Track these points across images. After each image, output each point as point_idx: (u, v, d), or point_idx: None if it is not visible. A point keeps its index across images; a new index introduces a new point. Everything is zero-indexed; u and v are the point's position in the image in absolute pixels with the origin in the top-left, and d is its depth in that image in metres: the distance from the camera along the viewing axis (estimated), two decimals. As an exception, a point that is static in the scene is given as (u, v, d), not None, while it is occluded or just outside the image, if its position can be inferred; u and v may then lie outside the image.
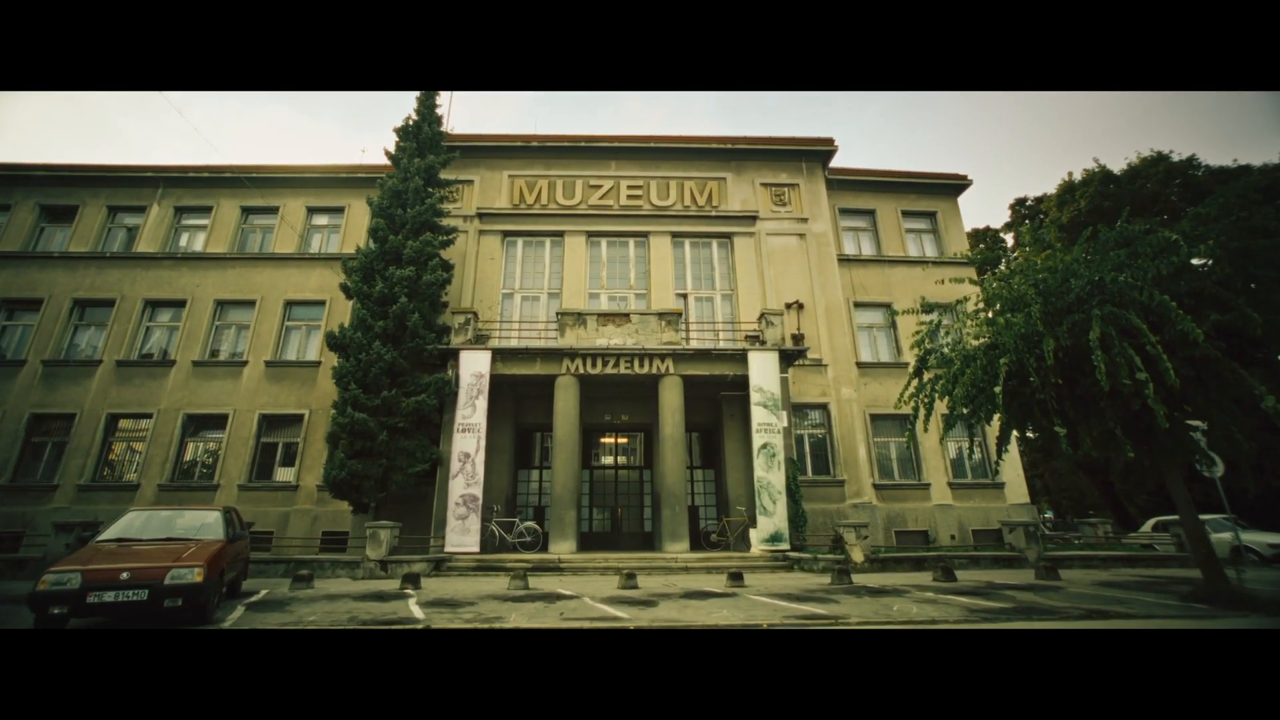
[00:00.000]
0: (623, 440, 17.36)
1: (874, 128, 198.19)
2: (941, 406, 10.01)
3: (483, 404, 13.56)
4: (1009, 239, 27.15)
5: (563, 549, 12.80)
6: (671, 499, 13.25)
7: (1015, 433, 9.49)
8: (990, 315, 8.59)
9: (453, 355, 14.03)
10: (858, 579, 10.16)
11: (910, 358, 17.10)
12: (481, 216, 17.36)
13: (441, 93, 18.17)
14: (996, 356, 8.31)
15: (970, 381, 8.61)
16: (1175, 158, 22.86)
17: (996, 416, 8.54)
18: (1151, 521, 17.44)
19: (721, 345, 15.15)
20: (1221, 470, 13.64)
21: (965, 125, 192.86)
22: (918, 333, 10.25)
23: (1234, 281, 7.22)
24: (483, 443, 13.33)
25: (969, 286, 11.28)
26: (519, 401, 15.51)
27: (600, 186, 17.92)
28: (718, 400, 15.47)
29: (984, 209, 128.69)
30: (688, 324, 16.04)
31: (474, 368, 13.82)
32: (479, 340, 14.71)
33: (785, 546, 12.70)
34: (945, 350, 9.25)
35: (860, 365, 17.03)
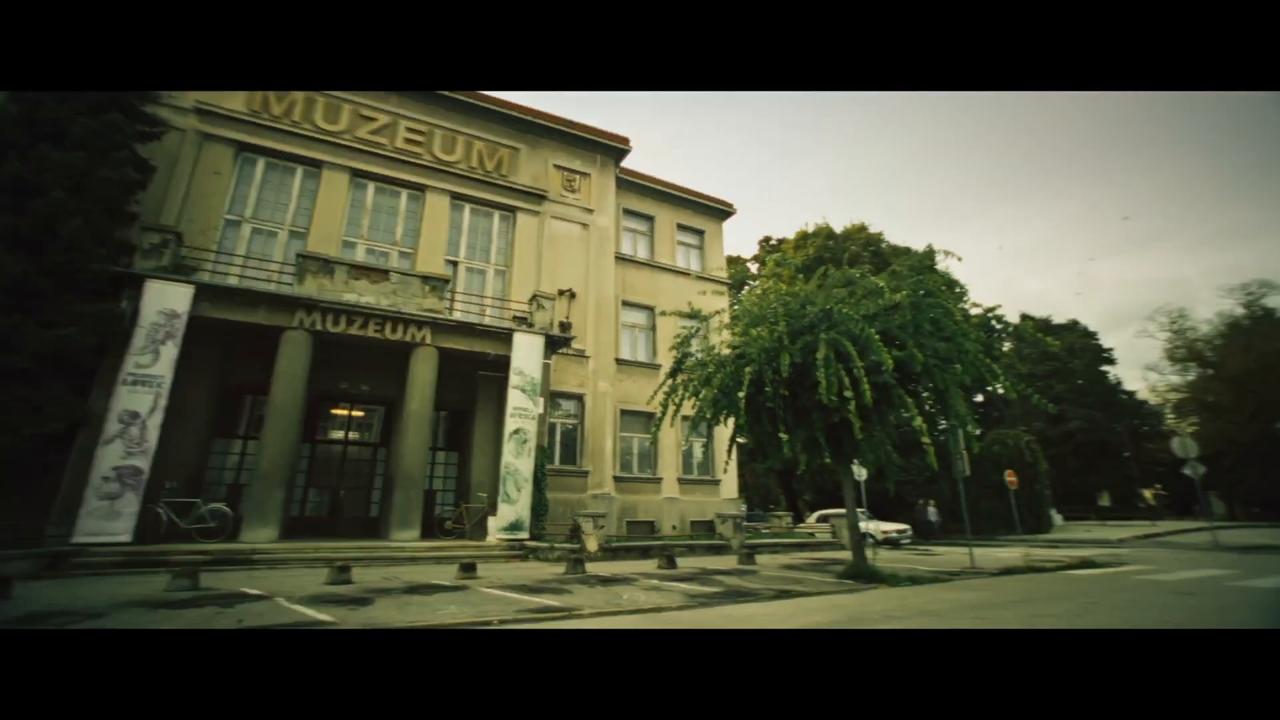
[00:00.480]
0: (358, 413, 15.41)
1: (658, 146, 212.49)
2: (687, 407, 10.81)
3: (171, 352, 10.69)
4: (754, 268, 31.30)
5: (260, 536, 10.76)
6: (407, 481, 12.09)
7: (738, 435, 10.76)
8: (741, 328, 9.52)
9: (133, 283, 10.80)
10: (591, 568, 10.40)
11: (666, 359, 18.50)
12: (203, 114, 13.66)
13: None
14: (743, 365, 9.22)
15: (719, 385, 9.42)
16: (871, 229, 28.98)
17: (733, 420, 9.48)
18: (815, 514, 21.56)
19: (488, 321, 14.39)
20: (865, 475, 17.31)
21: (733, 162, 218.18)
22: (678, 336, 10.97)
23: (907, 325, 9.04)
24: (163, 401, 10.49)
25: (724, 300, 12.48)
26: (228, 355, 12.63)
27: (374, 120, 15.51)
28: (474, 380, 14.65)
29: (739, 239, 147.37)
30: (454, 294, 14.86)
31: (165, 303, 10.83)
32: (179, 270, 11.60)
33: (524, 535, 12.50)
34: (700, 355, 9.99)
35: (619, 361, 17.75)
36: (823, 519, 20.44)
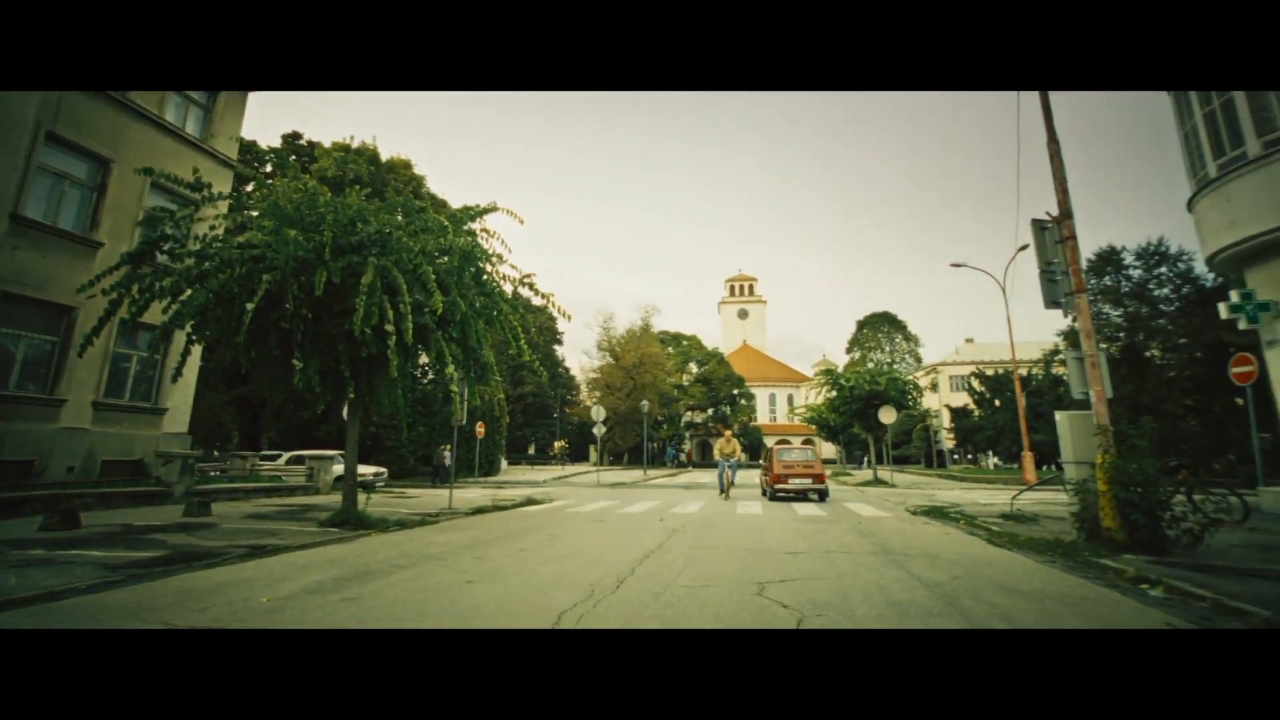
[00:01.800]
0: None
1: None
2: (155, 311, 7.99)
3: None
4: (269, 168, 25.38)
5: None
6: None
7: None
8: (272, 225, 7.60)
9: None
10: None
11: (119, 238, 12.96)
12: None
13: None
14: (261, 271, 7.42)
15: (217, 289, 7.30)
16: (417, 170, 28.22)
17: (239, 336, 7.48)
18: (287, 456, 19.41)
19: None
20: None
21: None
22: (148, 211, 7.99)
23: (454, 272, 9.05)
24: None
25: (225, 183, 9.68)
26: None
27: None
28: None
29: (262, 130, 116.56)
30: None
31: None
32: None
33: None
34: (194, 244, 7.55)
35: (17, 219, 11.55)
36: (296, 460, 18.47)
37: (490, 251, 9.57)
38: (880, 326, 60.16)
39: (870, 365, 46.02)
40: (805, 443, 22.77)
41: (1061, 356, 28.30)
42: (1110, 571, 5.72)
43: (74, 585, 4.81)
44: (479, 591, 4.79)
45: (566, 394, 46.79)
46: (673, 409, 51.00)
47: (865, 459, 45.69)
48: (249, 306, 6.97)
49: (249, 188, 20.89)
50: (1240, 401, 21.22)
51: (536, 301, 10.79)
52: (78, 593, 4.67)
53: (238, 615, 4.01)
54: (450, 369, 8.26)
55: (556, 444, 57.78)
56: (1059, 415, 7.94)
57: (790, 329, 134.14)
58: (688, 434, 55.14)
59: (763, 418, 63.42)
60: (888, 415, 20.90)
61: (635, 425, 43.75)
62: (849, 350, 61.76)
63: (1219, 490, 7.80)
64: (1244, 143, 10.17)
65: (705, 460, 54.40)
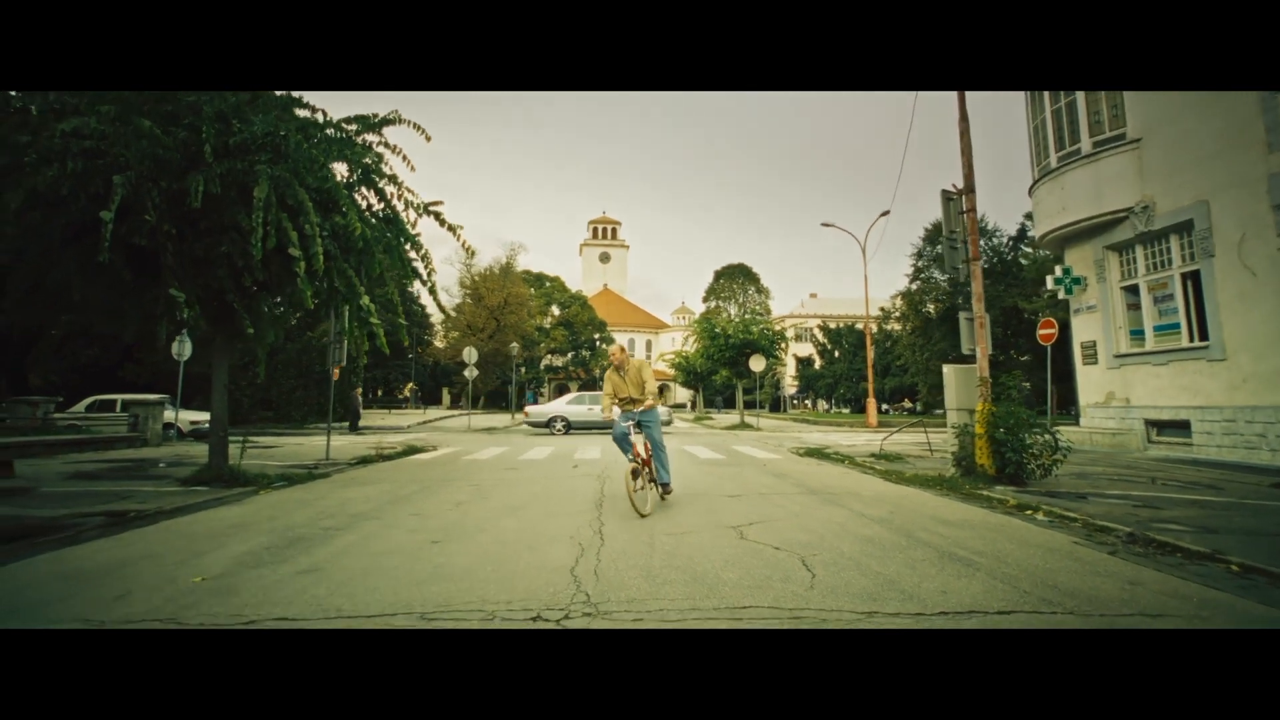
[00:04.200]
0: None
1: None
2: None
3: None
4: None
5: None
6: None
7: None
8: (120, 114, 5.83)
9: None
10: None
11: None
12: None
13: None
14: (108, 170, 5.80)
15: (44, 187, 5.58)
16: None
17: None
18: (87, 401, 16.03)
19: None
20: (188, 353, 14.23)
21: None
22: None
23: (351, 188, 7.80)
24: None
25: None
26: None
27: None
28: None
29: None
30: None
31: None
32: None
33: None
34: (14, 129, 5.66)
35: None
36: (101, 406, 15.25)
37: (391, 171, 8.38)
38: (736, 278, 63.45)
39: (725, 315, 48.66)
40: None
41: (896, 314, 32.21)
42: (995, 501, 6.71)
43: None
44: (455, 551, 4.36)
45: (422, 333, 43.75)
46: (534, 351, 50.13)
47: (718, 404, 48.91)
48: (105, 216, 5.40)
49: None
50: (1025, 359, 25.86)
51: (440, 231, 9.74)
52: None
53: (177, 602, 3.24)
54: (365, 299, 7.23)
55: (407, 387, 54.41)
56: (946, 368, 9.01)
57: (649, 275, 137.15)
58: (547, 377, 54.76)
59: (621, 362, 64.91)
60: (758, 363, 22.41)
61: (496, 368, 42.41)
62: (706, 299, 64.57)
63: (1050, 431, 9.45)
64: (1080, 139, 11.96)
65: (565, 404, 54.75)
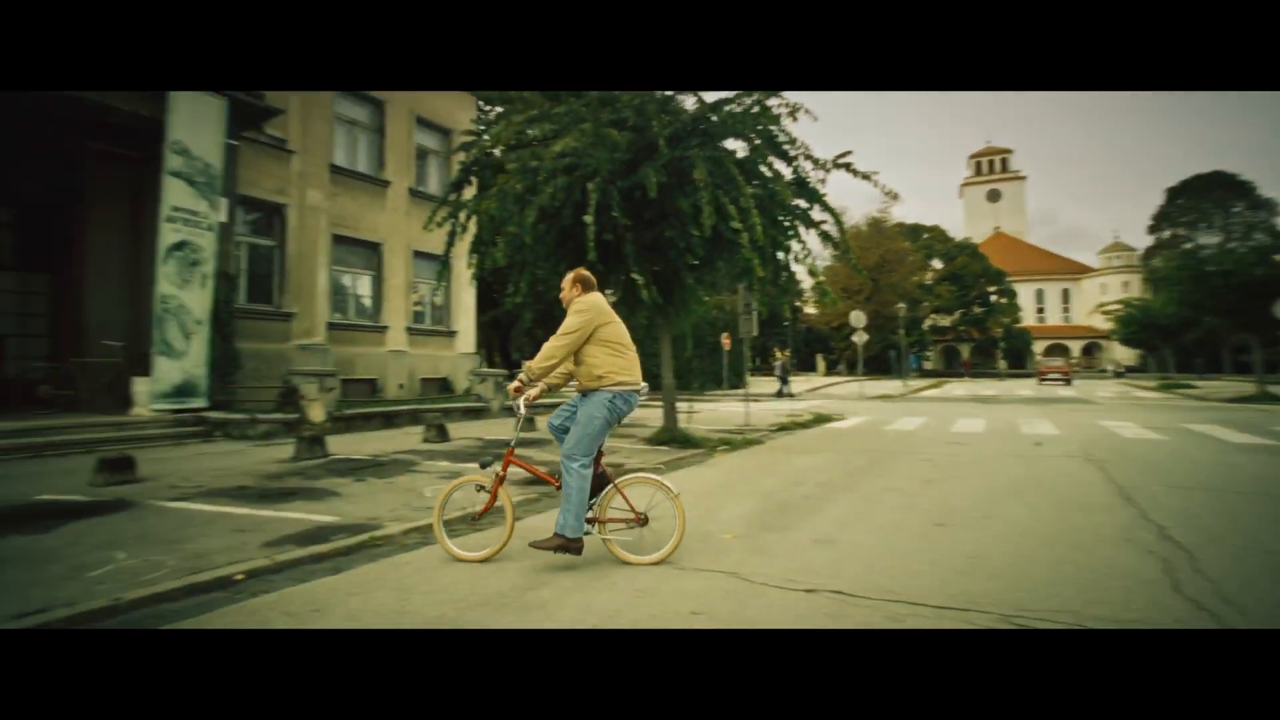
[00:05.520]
0: None
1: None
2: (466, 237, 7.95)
3: None
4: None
5: None
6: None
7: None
8: (592, 127, 6.82)
9: None
10: (332, 446, 7.25)
11: (400, 175, 14.15)
12: None
13: None
14: (583, 179, 6.79)
15: (546, 203, 6.81)
16: None
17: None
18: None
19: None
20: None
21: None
22: (470, 133, 7.78)
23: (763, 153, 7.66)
24: None
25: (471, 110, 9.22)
26: None
27: None
28: (79, 155, 8.74)
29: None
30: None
31: None
32: None
33: (201, 403, 8.34)
34: (521, 159, 7.09)
35: (334, 169, 12.89)
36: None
37: (792, 136, 7.88)
38: (1208, 192, 45.14)
39: (1192, 246, 35.11)
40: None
41: None
42: None
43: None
44: (974, 540, 3.52)
45: (793, 300, 44.36)
46: (915, 311, 45.56)
47: (1198, 368, 35.49)
48: (588, 219, 6.39)
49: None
50: None
51: (855, 183, 8.94)
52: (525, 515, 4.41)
53: (728, 558, 3.22)
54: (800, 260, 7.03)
55: (781, 353, 55.98)
56: None
57: (1052, 209, 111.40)
58: (932, 339, 49.18)
59: (1029, 318, 53.81)
60: (1291, 303, 15.17)
61: (877, 331, 39.93)
62: (1153, 229, 48.25)
63: None
64: None
65: (953, 369, 48.31)
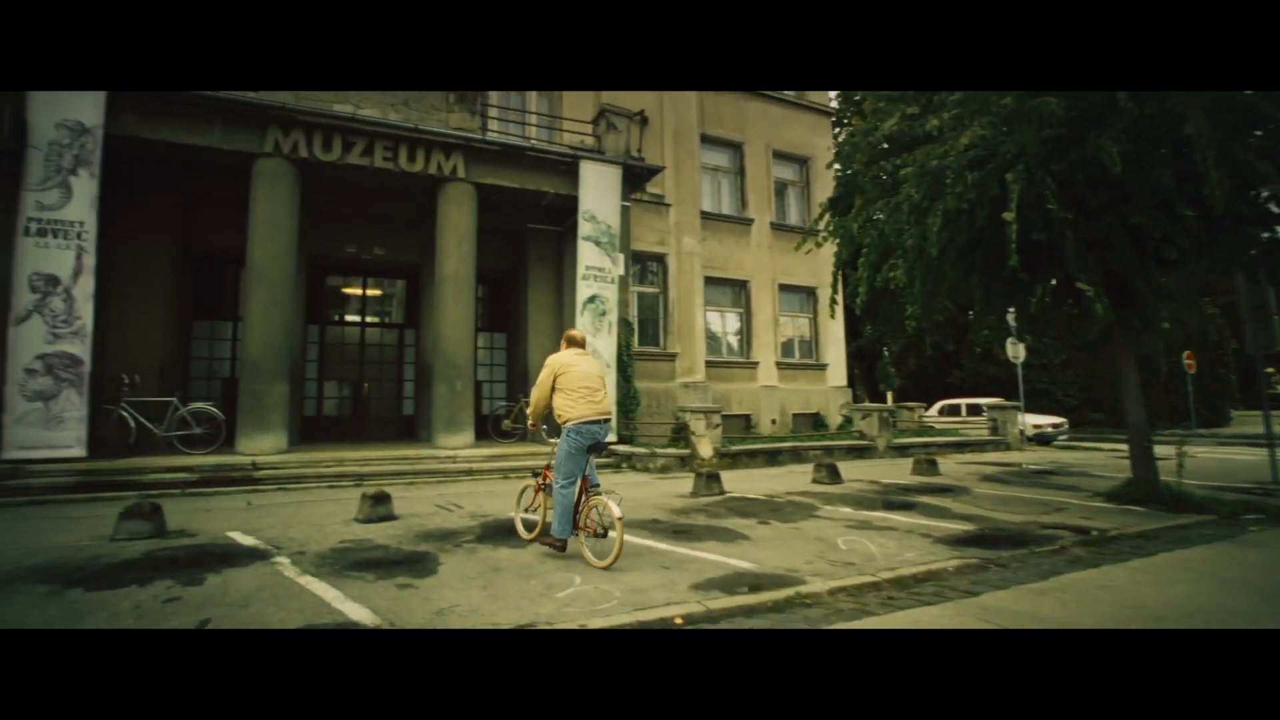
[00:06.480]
0: (374, 292, 12.00)
1: None
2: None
3: (88, 186, 7.14)
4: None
5: (262, 446, 7.71)
6: (450, 369, 8.77)
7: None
8: (1013, 100, 5.36)
9: None
10: (725, 483, 7.11)
11: (761, 211, 14.33)
12: None
13: None
14: (1000, 171, 5.36)
15: (958, 198, 5.52)
16: None
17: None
18: (937, 406, 17.99)
19: (541, 144, 10.25)
20: (1022, 356, 13.47)
21: None
22: (838, 145, 7.00)
23: None
24: (89, 260, 7.09)
25: (825, 138, 8.03)
26: (190, 207, 9.09)
27: None
28: (520, 236, 10.93)
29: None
30: (485, 107, 10.59)
31: (65, 112, 7.14)
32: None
33: (611, 439, 9.27)
34: (919, 160, 5.96)
35: (703, 214, 13.69)
36: (949, 410, 16.88)
37: None
38: None
39: None
40: None
41: None
42: None
43: (934, 561, 3.51)
44: None
45: None
46: None
47: None
48: (1008, 217, 4.91)
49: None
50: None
51: None
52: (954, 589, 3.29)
53: None
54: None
55: None
56: None
57: None
58: None
59: None
60: None
61: None
62: None
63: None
64: None
65: None
